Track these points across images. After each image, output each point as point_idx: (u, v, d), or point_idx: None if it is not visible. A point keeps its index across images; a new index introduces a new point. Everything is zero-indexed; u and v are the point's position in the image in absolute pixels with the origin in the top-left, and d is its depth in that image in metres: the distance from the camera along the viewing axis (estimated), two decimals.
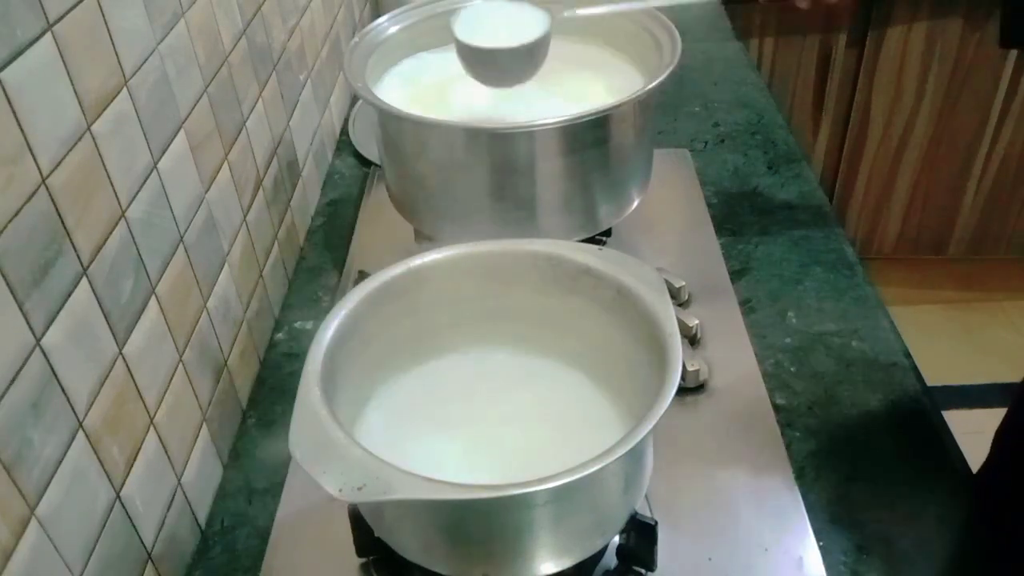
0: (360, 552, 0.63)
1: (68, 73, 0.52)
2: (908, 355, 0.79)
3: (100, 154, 0.55)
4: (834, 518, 0.66)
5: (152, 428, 0.61)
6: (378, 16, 0.88)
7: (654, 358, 0.56)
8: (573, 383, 0.65)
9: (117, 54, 0.58)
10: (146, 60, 0.62)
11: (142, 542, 0.60)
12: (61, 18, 0.51)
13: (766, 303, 0.85)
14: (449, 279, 0.65)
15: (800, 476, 0.69)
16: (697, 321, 0.80)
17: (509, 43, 0.76)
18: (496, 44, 0.76)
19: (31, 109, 0.48)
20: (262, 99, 0.86)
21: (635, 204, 0.84)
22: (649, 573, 0.62)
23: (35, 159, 0.49)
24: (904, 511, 0.66)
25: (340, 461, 0.48)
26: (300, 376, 0.54)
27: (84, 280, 0.53)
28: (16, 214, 0.47)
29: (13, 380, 0.46)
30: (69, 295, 0.52)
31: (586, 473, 0.47)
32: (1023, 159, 1.94)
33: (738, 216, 0.97)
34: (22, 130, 0.47)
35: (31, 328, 0.48)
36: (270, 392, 0.81)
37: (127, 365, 0.58)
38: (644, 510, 0.62)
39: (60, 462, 0.50)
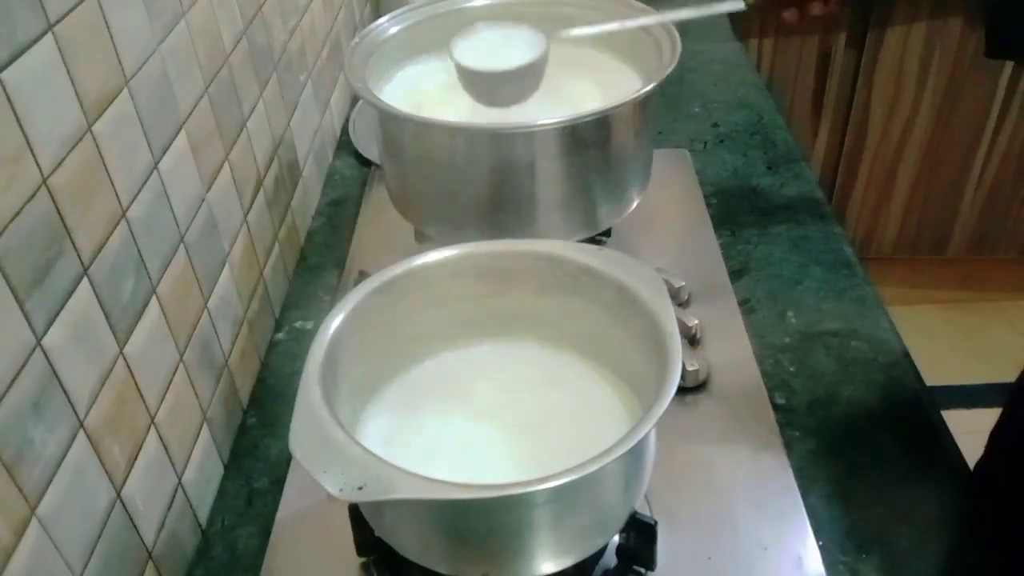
0: (360, 552, 0.63)
1: (69, 73, 0.52)
2: (907, 355, 0.79)
3: (101, 154, 0.55)
4: (834, 518, 0.66)
5: (153, 428, 0.61)
6: (378, 16, 0.88)
7: (654, 358, 0.56)
8: (574, 382, 0.65)
9: (118, 54, 0.58)
10: (147, 60, 0.62)
11: (143, 542, 0.60)
12: (62, 18, 0.51)
13: (766, 303, 0.85)
14: (449, 279, 0.65)
15: (800, 476, 0.69)
16: (697, 321, 0.80)
17: (508, 65, 0.79)
18: (495, 66, 0.79)
19: (32, 109, 0.48)
20: (262, 99, 0.86)
21: (635, 204, 0.84)
22: (649, 573, 0.62)
23: (36, 159, 0.49)
24: (904, 511, 0.66)
25: (340, 461, 0.48)
26: (300, 376, 0.54)
27: (85, 280, 0.53)
28: (17, 214, 0.47)
29: (14, 380, 0.46)
30: (70, 295, 0.52)
31: (586, 473, 0.47)
32: (1022, 159, 1.94)
33: (738, 216, 0.97)
34: (23, 130, 0.47)
35: (32, 328, 0.48)
36: (270, 392, 0.81)
37: (128, 365, 0.58)
38: (644, 510, 0.62)
39: (61, 462, 0.50)
